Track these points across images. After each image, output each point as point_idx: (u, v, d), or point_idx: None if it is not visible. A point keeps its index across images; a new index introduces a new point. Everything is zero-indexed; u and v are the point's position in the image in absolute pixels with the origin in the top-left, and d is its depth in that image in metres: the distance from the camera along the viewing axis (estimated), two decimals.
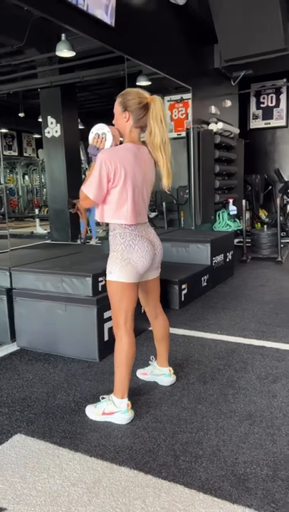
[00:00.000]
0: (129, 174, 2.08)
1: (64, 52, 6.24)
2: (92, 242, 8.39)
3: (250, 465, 1.85)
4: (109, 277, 2.20)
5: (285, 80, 8.87)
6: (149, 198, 2.29)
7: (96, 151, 2.09)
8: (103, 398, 2.30)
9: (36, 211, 11.59)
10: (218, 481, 1.76)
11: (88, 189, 2.07)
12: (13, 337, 3.32)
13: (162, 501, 1.66)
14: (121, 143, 2.21)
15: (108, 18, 4.38)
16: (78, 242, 8.65)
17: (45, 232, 10.08)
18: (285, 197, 8.22)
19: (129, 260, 2.15)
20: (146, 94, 2.14)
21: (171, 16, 5.81)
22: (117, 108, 2.16)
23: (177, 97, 8.94)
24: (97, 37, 4.39)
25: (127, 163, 2.07)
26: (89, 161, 11.95)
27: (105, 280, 2.26)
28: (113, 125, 2.22)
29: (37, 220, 10.93)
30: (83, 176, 10.74)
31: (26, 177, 16.21)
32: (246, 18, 6.04)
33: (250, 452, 1.94)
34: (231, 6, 6.04)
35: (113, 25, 4.41)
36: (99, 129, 2.12)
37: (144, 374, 2.69)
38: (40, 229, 10.48)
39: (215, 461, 1.88)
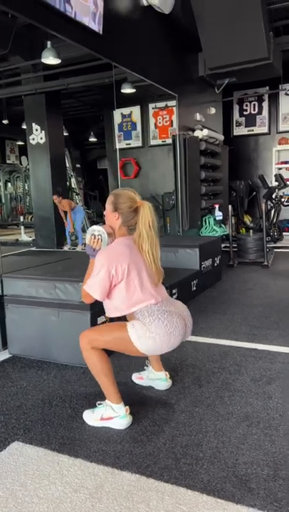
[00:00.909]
0: (131, 265, 2.15)
1: (50, 59, 6.26)
2: (78, 248, 8.37)
3: (251, 466, 1.87)
4: (129, 327, 2.15)
5: (267, 87, 9.04)
6: (161, 274, 2.30)
7: (93, 252, 2.21)
8: (100, 404, 2.30)
9: (21, 218, 11.51)
10: (220, 482, 1.77)
11: (92, 290, 2.15)
12: (4, 344, 3.28)
13: (166, 504, 1.66)
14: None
15: (96, 25, 4.41)
16: (65, 248, 8.60)
17: (30, 239, 10.01)
18: (269, 202, 8.34)
19: (155, 335, 2.11)
20: (138, 198, 2.24)
21: (157, 25, 5.89)
22: (109, 206, 2.26)
23: (162, 104, 9.04)
24: (85, 44, 4.41)
25: (124, 256, 2.16)
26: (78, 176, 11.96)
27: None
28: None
29: (22, 227, 10.85)
30: (68, 184, 10.74)
31: (9, 184, 16.09)
32: (230, 27, 6.17)
33: (249, 453, 1.96)
34: (215, 15, 6.16)
35: (101, 32, 4.44)
36: (94, 230, 2.25)
37: (139, 378, 2.69)
38: (25, 236, 10.40)
39: (216, 463, 1.89)
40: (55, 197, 8.39)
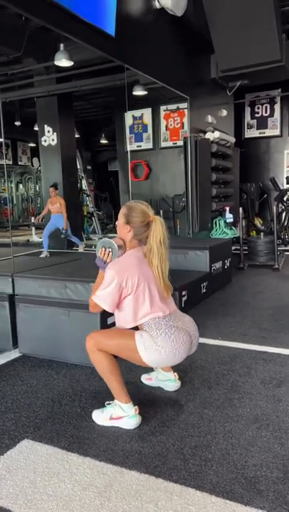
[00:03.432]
0: (140, 278, 2.17)
1: (63, 61, 6.32)
2: (80, 249, 8.40)
3: (260, 468, 1.86)
4: (137, 336, 2.16)
5: (279, 90, 9.01)
6: (170, 289, 2.31)
7: (104, 264, 2.24)
8: (109, 404, 2.30)
9: (32, 219, 11.60)
10: (229, 483, 1.77)
11: (102, 302, 2.17)
12: (15, 343, 3.31)
13: (175, 504, 1.66)
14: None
15: (109, 27, 4.43)
16: (79, 250, 8.58)
17: (41, 240, 10.07)
18: (280, 205, 8.30)
19: (161, 348, 2.13)
20: (150, 212, 2.25)
21: (169, 27, 5.91)
22: (121, 218, 2.28)
23: (173, 106, 9.05)
24: (98, 46, 4.44)
25: (134, 268, 2.18)
26: (85, 171, 12.03)
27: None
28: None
29: (33, 228, 10.93)
30: (79, 185, 10.80)
31: (20, 185, 16.23)
32: (242, 29, 6.16)
33: (259, 455, 1.95)
34: (228, 17, 6.15)
35: (113, 34, 4.47)
36: (105, 242, 2.28)
37: (148, 379, 2.69)
38: (36, 237, 10.48)
39: (225, 465, 1.89)
40: (52, 189, 8.23)
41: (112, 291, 2.14)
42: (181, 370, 2.82)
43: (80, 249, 8.50)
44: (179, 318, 2.29)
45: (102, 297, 2.17)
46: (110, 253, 2.25)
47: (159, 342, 2.13)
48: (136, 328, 2.31)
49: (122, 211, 2.28)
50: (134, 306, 2.19)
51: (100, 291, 2.17)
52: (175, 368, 2.66)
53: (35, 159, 15.17)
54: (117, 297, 2.16)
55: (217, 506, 1.64)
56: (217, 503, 1.66)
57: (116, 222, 2.34)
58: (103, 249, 2.26)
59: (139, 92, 7.73)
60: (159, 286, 2.25)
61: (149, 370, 2.77)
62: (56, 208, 8.28)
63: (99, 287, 2.20)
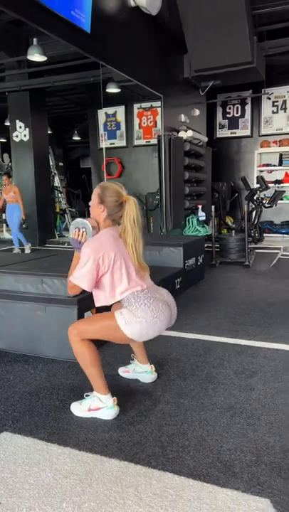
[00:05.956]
0: (117, 254, 2.20)
1: (36, 56, 6.27)
2: (27, 250, 7.96)
3: (235, 452, 1.94)
4: (116, 314, 2.19)
5: (250, 91, 9.21)
6: (145, 269, 2.34)
7: (79, 245, 2.26)
8: (87, 395, 2.34)
9: (2, 216, 11.40)
10: (206, 467, 1.84)
11: (80, 281, 2.18)
12: None
13: (154, 488, 1.72)
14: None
15: (84, 24, 4.44)
16: (25, 251, 8.13)
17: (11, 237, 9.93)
18: (250, 204, 8.49)
19: (142, 319, 2.15)
20: (124, 192, 2.28)
21: (144, 26, 5.96)
22: (95, 198, 2.30)
23: (147, 104, 9.12)
24: (73, 42, 4.44)
25: (110, 246, 2.21)
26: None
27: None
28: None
29: (4, 225, 10.76)
30: (51, 182, 10.70)
31: None
32: (215, 30, 6.28)
33: (233, 441, 2.03)
34: (201, 18, 6.26)
35: (89, 31, 4.48)
36: (78, 223, 2.31)
37: (126, 372, 2.74)
38: (7, 234, 10.32)
39: (201, 450, 1.96)
40: (5, 177, 7.83)
41: (90, 270, 2.15)
42: (157, 362, 2.89)
43: (27, 250, 7.91)
44: (156, 290, 2.34)
45: (79, 277, 2.18)
46: (84, 233, 2.26)
47: (139, 313, 2.16)
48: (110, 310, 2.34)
49: (96, 191, 2.29)
50: (112, 283, 2.21)
51: (77, 271, 2.18)
52: (151, 361, 2.72)
53: (5, 155, 14.90)
54: (94, 275, 2.17)
55: (194, 488, 1.71)
56: (194, 486, 1.73)
57: (89, 203, 2.34)
58: (77, 229, 2.28)
59: (112, 89, 7.75)
60: (134, 266, 2.27)
61: (126, 362, 2.82)
62: (11, 196, 7.78)
63: (76, 267, 2.21)
